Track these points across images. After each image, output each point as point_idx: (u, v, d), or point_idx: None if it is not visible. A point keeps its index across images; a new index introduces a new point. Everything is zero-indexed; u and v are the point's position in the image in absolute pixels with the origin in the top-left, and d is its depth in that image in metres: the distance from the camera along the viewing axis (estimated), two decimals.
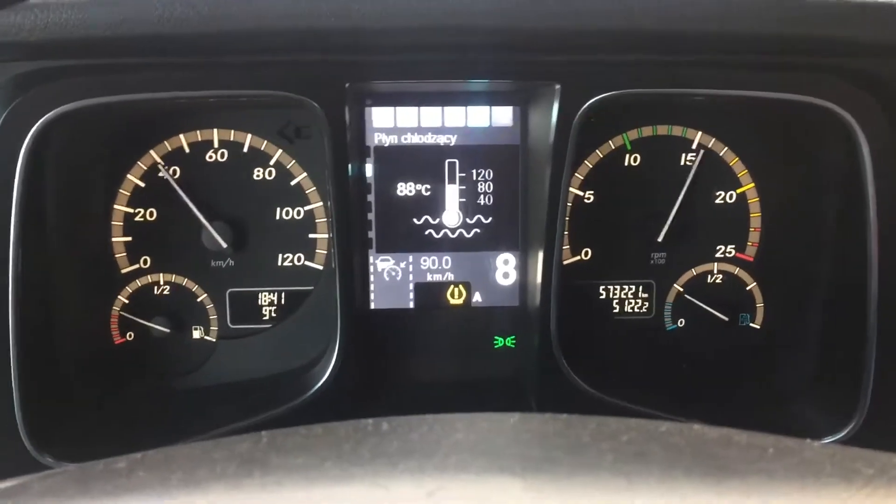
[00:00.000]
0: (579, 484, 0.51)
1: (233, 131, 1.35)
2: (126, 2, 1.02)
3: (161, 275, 1.38)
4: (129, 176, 1.34)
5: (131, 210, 1.35)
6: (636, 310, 1.46)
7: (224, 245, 1.34)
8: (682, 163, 1.41)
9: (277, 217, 1.39)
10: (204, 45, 1.07)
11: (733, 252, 1.45)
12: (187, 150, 1.35)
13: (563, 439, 0.59)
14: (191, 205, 1.33)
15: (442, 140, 1.37)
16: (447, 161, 1.38)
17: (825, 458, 0.58)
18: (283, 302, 1.41)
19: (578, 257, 1.44)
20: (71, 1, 1.00)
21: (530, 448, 0.57)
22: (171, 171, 1.35)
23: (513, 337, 1.44)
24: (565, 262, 1.42)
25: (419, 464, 0.52)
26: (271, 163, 1.37)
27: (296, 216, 1.39)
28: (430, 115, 1.36)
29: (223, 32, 1.03)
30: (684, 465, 0.56)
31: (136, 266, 1.37)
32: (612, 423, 0.63)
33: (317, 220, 1.39)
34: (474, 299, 1.42)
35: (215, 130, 1.35)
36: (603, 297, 1.46)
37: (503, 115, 1.37)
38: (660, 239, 1.40)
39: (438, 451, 0.55)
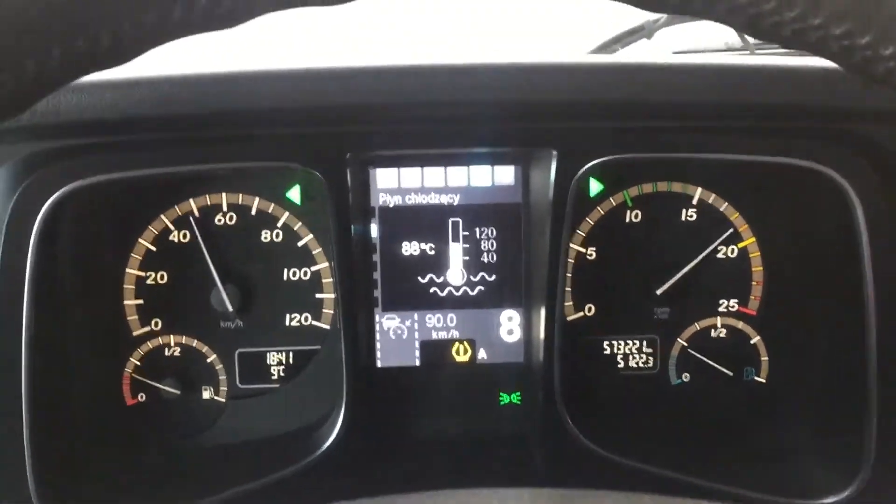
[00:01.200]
0: None
1: (241, 195, 1.39)
2: (134, 85, 1.06)
3: (171, 336, 1.41)
4: (140, 240, 1.38)
5: (143, 273, 1.39)
6: (641, 364, 1.47)
7: (231, 308, 1.37)
8: (683, 218, 1.43)
9: (285, 278, 1.41)
10: (210, 123, 1.11)
11: (736, 306, 1.45)
12: (197, 214, 1.38)
13: None
14: (210, 264, 1.36)
15: (445, 199, 1.40)
16: (450, 220, 1.40)
17: None
18: (290, 361, 1.44)
19: (582, 313, 1.46)
20: (80, 84, 1.04)
21: None
22: (181, 235, 1.38)
23: (518, 393, 1.45)
24: (569, 318, 1.44)
25: None
26: (279, 225, 1.40)
27: (303, 276, 1.42)
28: (434, 176, 1.39)
29: (226, 111, 1.07)
30: None
31: (148, 328, 1.40)
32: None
33: (323, 280, 1.42)
34: (479, 356, 1.44)
35: (224, 195, 1.38)
36: (607, 352, 1.47)
37: (505, 175, 1.39)
38: (662, 293, 1.41)
39: None
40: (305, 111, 1.10)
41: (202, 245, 1.37)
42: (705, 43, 1.90)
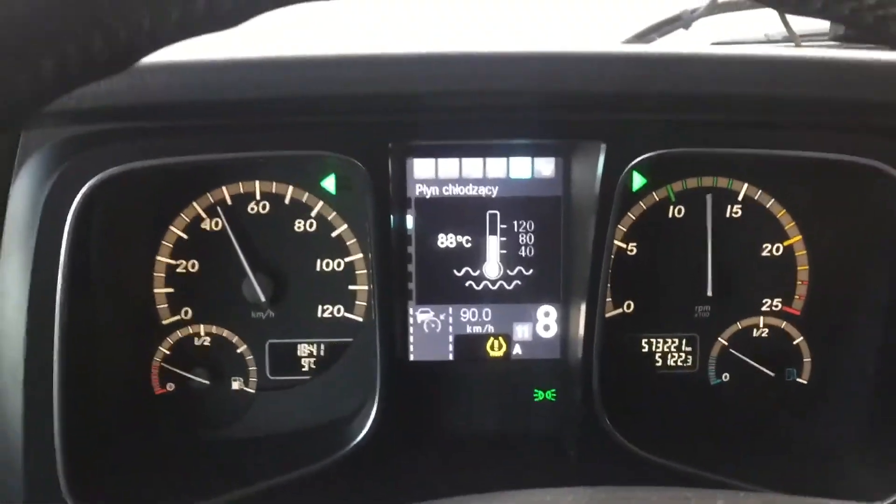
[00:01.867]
0: None
1: (274, 183, 1.36)
2: (175, 69, 1.03)
3: (202, 326, 1.38)
4: (171, 228, 1.35)
5: (173, 261, 1.36)
6: (679, 364, 1.44)
7: (263, 299, 1.34)
8: (728, 215, 1.39)
9: (318, 269, 1.38)
10: (249, 110, 1.08)
11: (780, 306, 1.42)
12: (230, 202, 1.35)
13: None
14: (241, 254, 1.33)
15: (483, 191, 1.36)
16: (488, 212, 1.37)
17: None
18: (322, 353, 1.41)
19: (621, 310, 1.42)
20: None
21: None
22: (213, 223, 1.35)
23: (553, 390, 1.42)
24: (607, 315, 1.40)
25: None
26: (312, 214, 1.37)
27: (336, 268, 1.39)
28: (472, 167, 1.35)
29: (267, 98, 1.04)
30: None
31: (178, 317, 1.38)
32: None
33: (357, 272, 1.39)
34: (514, 352, 1.41)
35: (257, 182, 1.35)
36: (646, 350, 1.44)
37: (545, 167, 1.36)
38: (703, 291, 1.37)
39: None
40: (349, 99, 1.07)
41: (233, 234, 1.34)
42: (744, 34, 1.85)
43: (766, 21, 1.82)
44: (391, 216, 1.26)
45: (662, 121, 1.18)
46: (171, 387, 1.39)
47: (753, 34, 1.84)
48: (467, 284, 1.38)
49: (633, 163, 1.18)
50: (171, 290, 1.37)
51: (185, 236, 1.35)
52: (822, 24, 1.67)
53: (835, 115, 1.16)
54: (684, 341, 1.43)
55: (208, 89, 1.02)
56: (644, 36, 1.85)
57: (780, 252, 1.40)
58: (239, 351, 1.39)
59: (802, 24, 1.67)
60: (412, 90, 1.08)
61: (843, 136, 1.18)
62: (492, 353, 1.41)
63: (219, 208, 1.35)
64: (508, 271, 1.38)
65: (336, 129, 1.18)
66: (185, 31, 0.47)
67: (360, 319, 1.40)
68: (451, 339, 1.40)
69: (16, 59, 0.43)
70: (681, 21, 1.86)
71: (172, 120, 1.11)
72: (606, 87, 1.08)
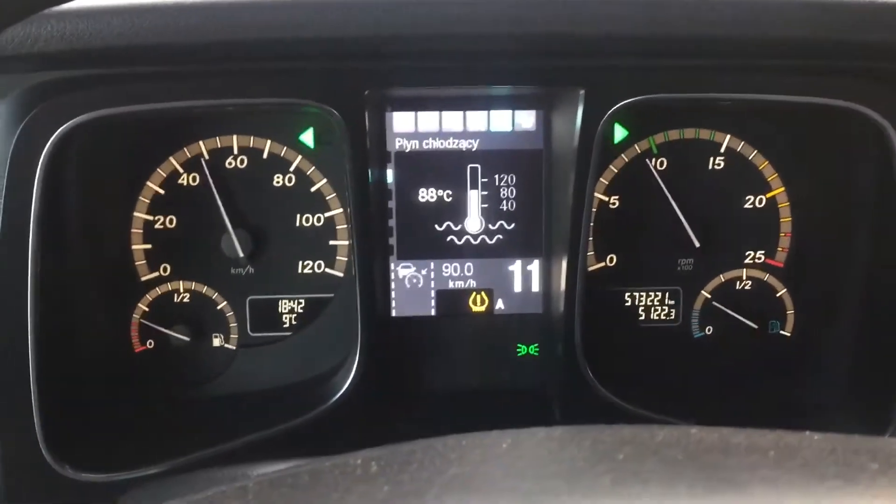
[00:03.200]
0: None
1: (252, 137, 1.34)
2: (142, 11, 1.01)
3: (181, 282, 1.37)
4: (148, 183, 1.33)
5: (151, 217, 1.35)
6: (662, 317, 1.43)
7: (241, 254, 1.33)
8: (710, 167, 1.38)
9: (297, 224, 1.37)
10: (221, 54, 1.06)
11: (763, 258, 1.41)
12: (207, 156, 1.34)
13: (558, 465, 0.57)
14: (222, 208, 1.32)
15: (464, 145, 1.35)
16: (469, 166, 1.36)
17: (827, 456, 0.56)
18: (303, 309, 1.40)
19: (603, 264, 1.41)
20: (87, 10, 0.99)
21: (525, 480, 0.55)
22: (191, 178, 1.34)
23: (536, 345, 1.41)
24: (590, 269, 1.39)
25: None
26: (291, 169, 1.36)
27: (316, 223, 1.37)
28: (452, 120, 1.34)
29: (239, 41, 1.02)
30: (685, 482, 0.53)
31: (156, 274, 1.36)
32: (607, 439, 0.61)
33: (337, 227, 1.38)
34: (497, 307, 1.40)
35: (235, 137, 1.34)
36: (628, 304, 1.43)
37: (526, 120, 1.35)
38: (686, 244, 1.37)
39: (430, 491, 0.52)
40: (323, 43, 1.05)
41: (213, 188, 1.32)
42: None
43: None
44: (370, 170, 1.25)
45: (641, 66, 1.17)
46: (150, 344, 1.38)
47: None
48: (449, 239, 1.37)
49: (613, 109, 1.17)
50: (149, 246, 1.36)
51: (162, 192, 1.34)
52: None
53: (815, 57, 1.15)
54: (667, 294, 1.43)
55: (179, 31, 1.00)
56: None
57: (762, 204, 1.39)
58: (219, 307, 1.38)
59: None
60: (387, 34, 1.07)
61: (824, 79, 1.17)
62: (474, 309, 1.40)
63: (200, 162, 1.33)
64: (490, 226, 1.37)
65: (311, 76, 1.16)
66: None
67: (341, 275, 1.39)
68: (432, 294, 1.39)
69: None
70: None
71: (143, 65, 1.09)
72: (583, 29, 1.07)
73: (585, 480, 0.54)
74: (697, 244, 1.36)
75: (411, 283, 1.39)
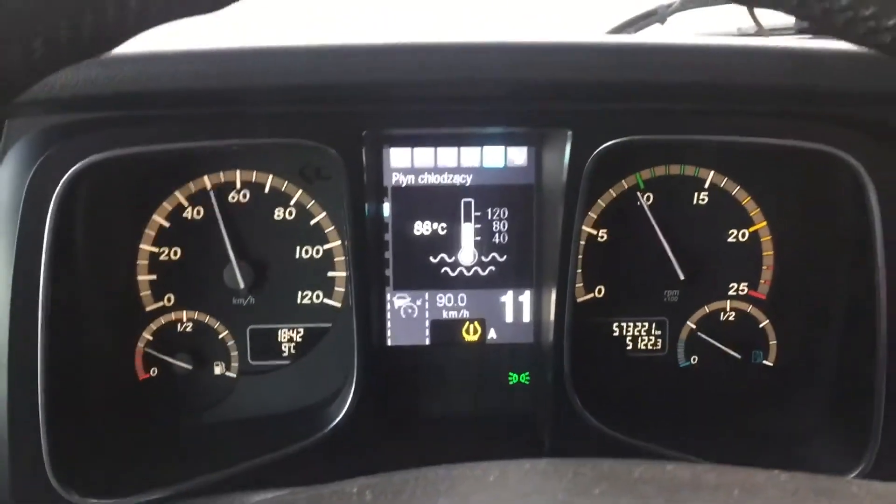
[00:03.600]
0: None
1: (255, 172, 1.39)
2: (153, 59, 1.07)
3: (184, 312, 1.42)
4: (154, 217, 1.38)
5: (156, 249, 1.39)
6: (649, 347, 1.48)
7: (242, 285, 1.37)
8: (695, 201, 1.43)
9: (297, 256, 1.42)
10: (226, 98, 1.12)
11: (746, 290, 1.46)
12: (211, 190, 1.39)
13: (539, 496, 0.61)
14: (226, 239, 1.37)
15: (458, 180, 1.40)
16: (463, 200, 1.41)
17: (789, 497, 0.60)
18: (301, 339, 1.44)
19: (592, 295, 1.46)
20: (99, 58, 1.05)
21: None
22: (195, 212, 1.39)
23: (527, 373, 1.46)
24: (579, 300, 1.44)
25: None
26: (292, 203, 1.41)
27: (315, 255, 1.42)
28: (447, 156, 1.39)
29: (243, 87, 1.08)
30: None
31: (161, 304, 1.41)
32: (588, 473, 0.65)
33: (335, 259, 1.42)
34: (489, 336, 1.44)
35: (238, 172, 1.39)
36: (616, 333, 1.48)
37: (518, 156, 1.40)
38: (672, 276, 1.41)
39: None
40: (323, 88, 1.11)
41: (218, 221, 1.37)
42: (718, 28, 1.90)
43: (740, 16, 1.86)
44: (367, 204, 1.30)
45: (626, 109, 1.22)
46: (154, 372, 1.43)
47: (727, 28, 1.88)
48: (443, 271, 1.42)
49: (598, 150, 1.22)
50: (153, 277, 1.40)
51: (167, 224, 1.39)
52: (790, 18, 1.71)
53: (795, 102, 1.20)
54: (654, 325, 1.47)
55: (185, 78, 1.06)
56: (621, 30, 1.89)
57: (745, 238, 1.44)
58: (220, 336, 1.43)
59: (771, 18, 1.71)
60: (385, 79, 1.12)
61: (803, 124, 1.22)
62: (467, 338, 1.44)
63: (201, 197, 1.38)
64: (483, 258, 1.42)
65: (311, 118, 1.21)
66: (171, 12, 0.50)
67: (339, 305, 1.44)
68: (427, 324, 1.44)
69: (8, 38, 0.45)
70: (656, 16, 1.91)
71: (151, 109, 1.15)
72: (572, 76, 1.12)
73: None
74: (682, 276, 1.41)
75: (406, 313, 1.43)
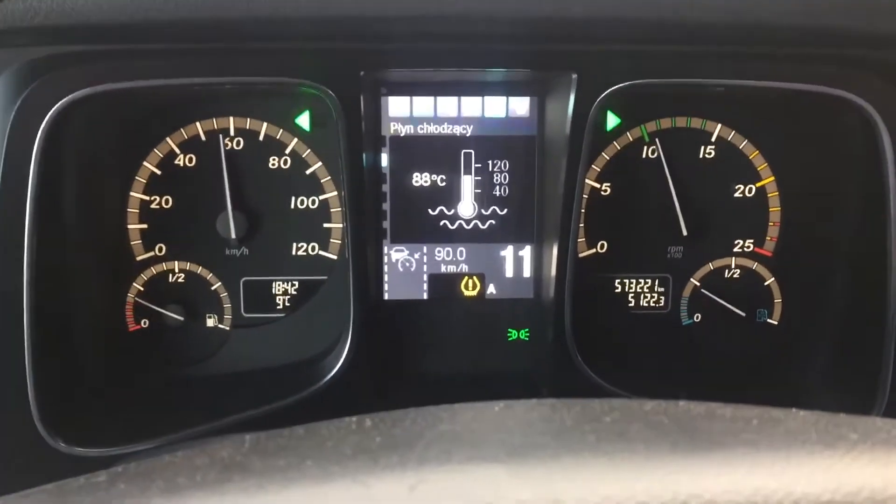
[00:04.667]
0: (562, 467, 0.50)
1: (249, 119, 1.36)
2: None
3: (176, 262, 1.39)
4: (145, 163, 1.35)
5: (147, 197, 1.36)
6: (652, 304, 1.45)
7: (233, 235, 1.34)
8: (701, 155, 1.40)
9: (292, 206, 1.39)
10: (219, 32, 1.08)
11: (751, 247, 1.43)
12: (203, 137, 1.35)
13: (546, 424, 0.59)
14: (227, 189, 1.33)
15: (458, 130, 1.36)
16: (463, 151, 1.37)
17: (810, 426, 0.58)
18: (296, 291, 1.41)
19: (594, 250, 1.43)
20: None
21: (513, 435, 0.57)
22: (187, 159, 1.35)
23: (527, 329, 1.43)
24: (581, 255, 1.41)
25: (400, 458, 0.52)
26: (287, 151, 1.37)
27: (310, 205, 1.39)
28: (447, 105, 1.35)
29: (238, 19, 1.03)
30: (668, 441, 0.56)
31: (151, 254, 1.38)
32: (596, 406, 0.63)
33: (331, 210, 1.39)
34: (488, 291, 1.41)
35: (231, 118, 1.35)
36: (618, 290, 1.45)
37: (520, 106, 1.36)
38: (676, 232, 1.38)
39: (420, 443, 0.54)
40: (318, 21, 1.06)
41: (223, 166, 1.34)
42: None
43: None
44: (365, 154, 1.26)
45: (633, 52, 1.19)
46: (145, 323, 1.40)
47: None
48: (442, 224, 1.39)
49: (604, 94, 1.18)
50: (144, 226, 1.37)
51: (158, 172, 1.35)
52: None
53: (804, 44, 1.16)
54: (657, 282, 1.44)
55: (173, 8, 1.01)
56: None
57: (752, 193, 1.41)
58: (213, 288, 1.40)
59: None
60: (382, 14, 1.08)
61: (815, 67, 1.18)
62: (466, 293, 1.41)
63: (193, 144, 1.35)
64: (483, 211, 1.39)
65: (307, 56, 1.18)
66: None
67: (335, 257, 1.40)
68: (425, 278, 1.41)
69: None
70: None
71: (141, 42, 1.11)
72: (576, 13, 1.08)
73: (571, 437, 0.55)
74: (685, 232, 1.37)
75: (404, 266, 1.40)
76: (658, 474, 0.49)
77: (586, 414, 0.59)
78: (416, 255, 1.40)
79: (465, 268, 1.41)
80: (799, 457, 0.52)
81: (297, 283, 1.41)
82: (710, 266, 1.43)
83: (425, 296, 1.41)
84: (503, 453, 0.52)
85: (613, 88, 1.18)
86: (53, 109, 1.10)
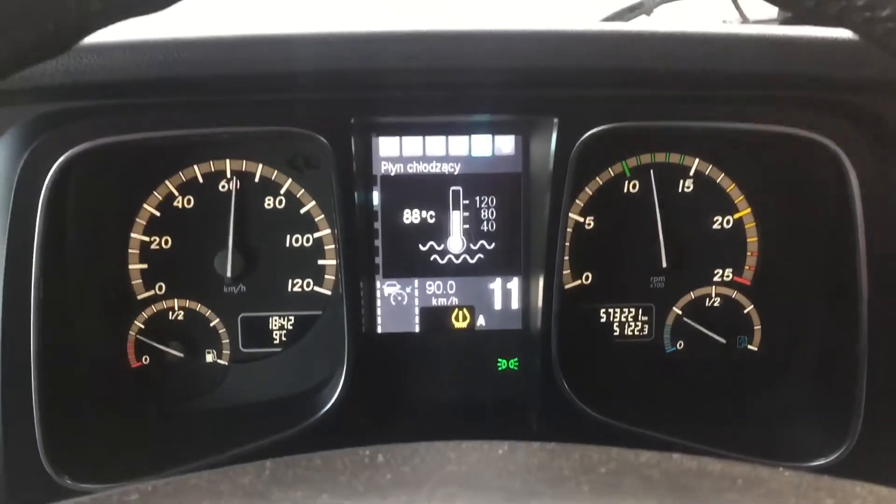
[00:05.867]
0: None
1: (245, 161, 1.40)
2: (143, 47, 1.08)
3: (175, 300, 1.43)
4: (145, 206, 1.39)
5: (147, 238, 1.40)
6: (636, 332, 1.50)
7: (229, 274, 1.39)
8: (680, 189, 1.45)
9: (287, 244, 1.43)
10: (216, 86, 1.13)
11: (731, 276, 1.48)
12: (201, 180, 1.40)
13: (545, 472, 0.63)
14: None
15: (446, 168, 1.41)
16: (451, 189, 1.42)
17: (790, 489, 0.62)
18: (292, 326, 1.46)
19: (579, 281, 1.48)
20: (90, 46, 1.06)
21: (514, 481, 0.61)
22: (185, 201, 1.40)
23: (515, 359, 1.47)
24: (567, 287, 1.46)
25: (409, 497, 0.56)
26: (282, 192, 1.42)
27: (305, 243, 1.44)
28: (435, 145, 1.40)
29: (233, 75, 1.09)
30: (656, 495, 0.60)
31: (152, 292, 1.42)
32: (594, 455, 0.67)
33: (325, 247, 1.44)
34: (478, 323, 1.46)
35: (227, 161, 1.40)
36: (603, 319, 1.50)
37: (506, 144, 1.41)
38: (658, 263, 1.43)
39: (428, 483, 0.58)
40: (311, 75, 1.12)
41: (204, 211, 1.38)
42: (702, 20, 1.92)
43: (724, 8, 1.88)
44: (356, 193, 1.31)
45: (612, 97, 1.24)
46: (146, 360, 1.44)
47: (711, 20, 1.90)
48: (432, 258, 1.44)
49: (584, 137, 1.24)
50: (144, 265, 1.41)
51: (157, 213, 1.40)
52: (774, 9, 1.73)
53: (778, 89, 1.22)
54: (640, 311, 1.49)
55: (174, 66, 1.07)
56: (609, 21, 1.91)
57: (730, 224, 1.46)
58: (212, 324, 1.44)
59: (755, 10, 1.74)
60: (374, 67, 1.14)
61: (787, 111, 1.24)
62: (456, 325, 1.46)
63: (191, 186, 1.39)
64: (471, 245, 1.44)
65: (300, 106, 1.23)
66: (119, 15, 0.51)
67: (329, 293, 1.45)
68: (416, 311, 1.45)
69: None
70: (643, 8, 1.93)
71: (141, 97, 1.16)
72: (557, 63, 1.14)
73: (567, 486, 0.60)
74: (665, 264, 1.43)
75: (396, 300, 1.45)
76: None
77: (583, 463, 0.63)
78: (408, 290, 1.45)
79: (455, 301, 1.45)
80: None
81: (292, 317, 1.46)
82: (692, 295, 1.48)
83: (417, 328, 1.45)
84: (501, 499, 0.56)
85: (593, 131, 1.24)
86: (58, 162, 1.15)
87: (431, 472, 0.62)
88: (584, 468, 0.64)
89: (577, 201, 1.44)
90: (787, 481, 0.64)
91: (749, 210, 1.45)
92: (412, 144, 1.40)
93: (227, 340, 1.45)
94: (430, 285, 1.45)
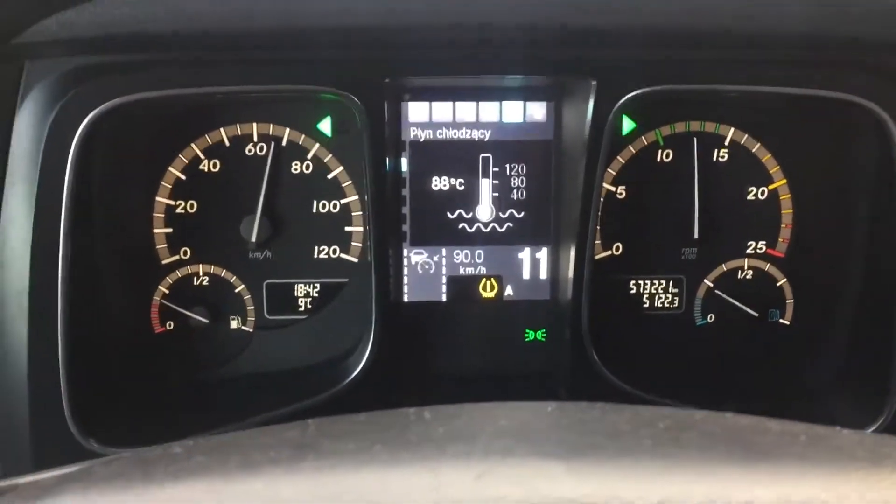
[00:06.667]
0: (620, 467, 0.53)
1: (271, 125, 1.38)
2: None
3: (200, 266, 1.41)
4: (170, 169, 1.37)
5: (173, 202, 1.38)
6: (666, 304, 1.48)
7: (254, 239, 1.36)
8: (715, 159, 1.42)
9: (314, 210, 1.41)
10: (247, 42, 1.11)
11: (764, 248, 1.45)
12: (227, 143, 1.38)
13: (601, 425, 0.61)
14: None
15: (476, 135, 1.39)
16: (481, 156, 1.40)
17: (856, 444, 0.60)
18: (318, 293, 1.44)
19: (610, 252, 1.46)
20: None
21: (571, 434, 0.59)
22: (211, 164, 1.38)
23: (543, 330, 1.45)
24: (596, 257, 1.44)
25: (466, 448, 0.54)
26: (309, 157, 1.40)
27: (332, 209, 1.41)
28: (465, 110, 1.38)
29: (266, 30, 1.06)
30: (721, 450, 0.58)
31: (177, 257, 1.40)
32: (646, 412, 0.65)
33: (352, 214, 1.42)
34: (506, 293, 1.44)
35: (254, 124, 1.38)
36: (633, 291, 1.47)
37: (537, 111, 1.39)
38: (690, 234, 1.41)
39: (483, 436, 0.57)
40: (344, 31, 1.09)
41: (230, 175, 1.36)
42: None
43: None
44: (386, 159, 1.29)
45: (651, 58, 1.21)
46: (170, 325, 1.42)
47: None
48: (460, 227, 1.42)
49: (623, 100, 1.21)
50: (170, 230, 1.39)
51: (183, 177, 1.38)
52: None
53: (818, 50, 1.19)
54: (671, 283, 1.47)
55: (209, 19, 1.04)
56: None
57: (765, 196, 1.44)
58: (237, 290, 1.42)
59: None
60: (406, 23, 1.11)
61: (826, 73, 1.21)
62: (484, 295, 1.44)
63: (218, 149, 1.37)
64: (500, 214, 1.42)
65: (333, 65, 1.20)
66: None
67: (356, 260, 1.43)
68: (444, 280, 1.43)
69: None
70: None
71: (173, 52, 1.13)
72: (596, 20, 1.11)
73: (628, 440, 0.58)
74: (696, 235, 1.40)
75: (423, 268, 1.43)
76: (714, 480, 0.51)
77: (639, 419, 0.61)
78: (435, 258, 1.43)
79: (482, 270, 1.43)
80: (847, 473, 0.54)
81: (318, 285, 1.44)
82: (724, 267, 1.46)
83: (444, 298, 1.44)
84: (563, 451, 0.54)
85: (631, 95, 1.21)
86: (88, 118, 1.12)
87: (484, 426, 0.61)
88: (642, 423, 0.62)
89: (609, 170, 1.41)
90: (850, 438, 0.62)
91: (784, 181, 1.43)
92: (442, 110, 1.38)
93: (253, 307, 1.43)
94: (457, 254, 1.43)
